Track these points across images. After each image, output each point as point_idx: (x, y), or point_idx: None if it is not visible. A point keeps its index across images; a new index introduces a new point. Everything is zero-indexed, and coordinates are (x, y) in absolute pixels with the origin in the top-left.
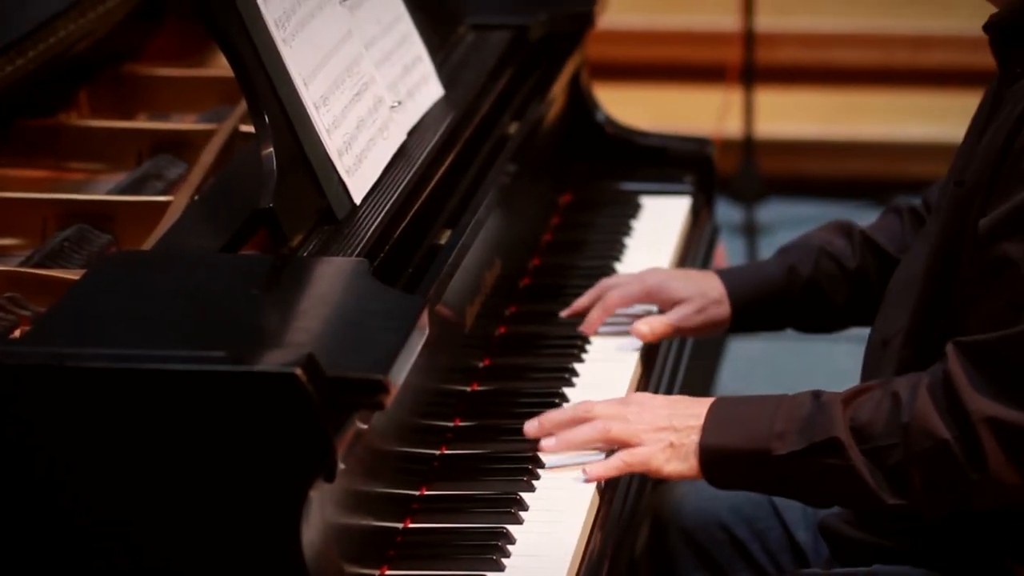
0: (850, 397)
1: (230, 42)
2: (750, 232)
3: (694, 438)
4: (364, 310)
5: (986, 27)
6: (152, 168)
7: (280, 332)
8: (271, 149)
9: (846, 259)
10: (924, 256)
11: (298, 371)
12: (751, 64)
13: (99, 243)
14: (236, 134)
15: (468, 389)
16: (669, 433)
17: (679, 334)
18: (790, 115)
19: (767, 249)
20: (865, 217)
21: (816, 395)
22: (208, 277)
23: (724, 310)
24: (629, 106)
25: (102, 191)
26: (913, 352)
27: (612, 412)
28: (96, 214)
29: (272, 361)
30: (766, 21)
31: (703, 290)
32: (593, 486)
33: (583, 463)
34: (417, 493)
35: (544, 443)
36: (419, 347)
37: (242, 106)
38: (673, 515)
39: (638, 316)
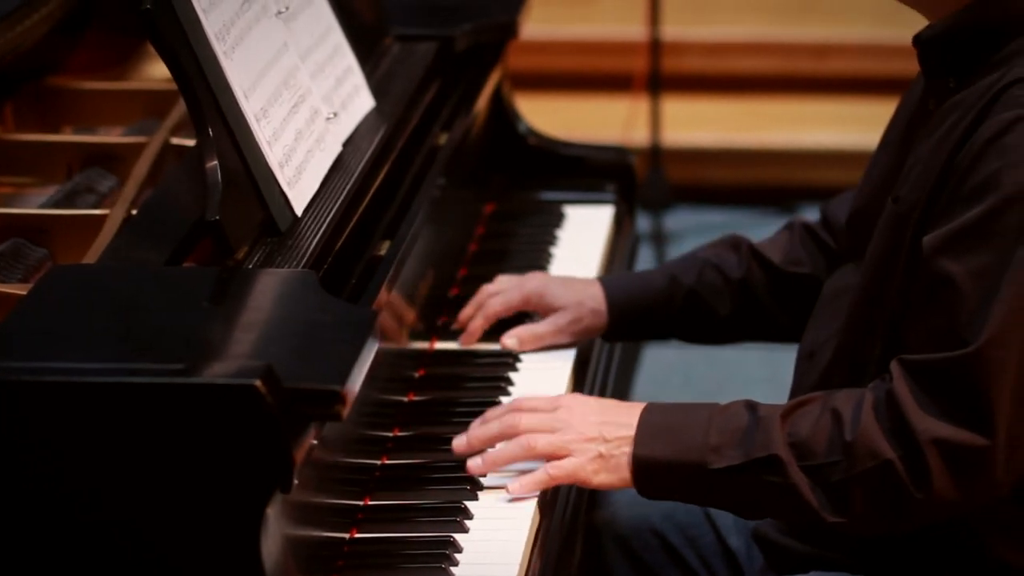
0: (787, 412)
1: (174, 55)
2: (658, 240)
3: (625, 450)
4: (316, 322)
5: (917, 40)
6: (83, 181)
7: (234, 344)
8: (216, 162)
9: (730, 270)
10: (858, 270)
11: (258, 383)
12: (658, 73)
13: (35, 257)
14: (167, 147)
15: (405, 399)
16: (599, 444)
17: (550, 343)
18: (696, 123)
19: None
20: (772, 224)
21: (752, 407)
22: (158, 290)
23: (600, 319)
24: (536, 116)
25: (32, 205)
26: (841, 366)
27: (538, 423)
28: (32, 228)
29: (230, 373)
30: (671, 30)
31: (580, 298)
32: (536, 494)
33: (524, 470)
34: (361, 503)
35: (470, 464)
36: (371, 358)
37: (171, 119)
38: (606, 522)
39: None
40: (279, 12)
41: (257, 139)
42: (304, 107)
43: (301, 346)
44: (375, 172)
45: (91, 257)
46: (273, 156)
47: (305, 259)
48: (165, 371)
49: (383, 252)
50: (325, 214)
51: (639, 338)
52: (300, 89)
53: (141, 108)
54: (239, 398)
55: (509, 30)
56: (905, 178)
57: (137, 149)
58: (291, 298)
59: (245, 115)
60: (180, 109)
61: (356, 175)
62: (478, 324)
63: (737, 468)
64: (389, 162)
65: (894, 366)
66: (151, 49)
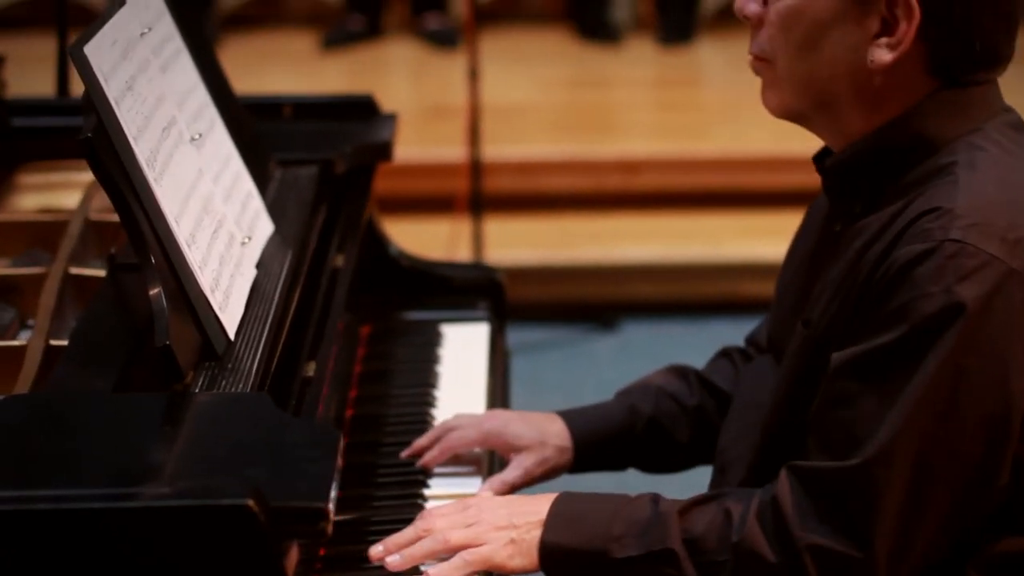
0: (685, 509)
1: (113, 183)
2: None
3: (535, 533)
4: (284, 442)
5: (821, 166)
6: None
7: (213, 466)
8: (159, 288)
9: (684, 397)
10: (769, 391)
11: (250, 502)
12: (479, 193)
13: None
14: (67, 277)
15: None
16: (510, 531)
17: (520, 488)
18: (513, 242)
19: None
20: (594, 340)
21: (655, 501)
22: (118, 417)
23: (566, 456)
24: None
25: None
26: (752, 484)
27: (451, 522)
28: None
29: (221, 493)
30: (488, 151)
31: (543, 437)
32: None
33: None
34: None
35: (389, 561)
36: (338, 476)
37: (64, 249)
38: None
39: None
40: (192, 139)
41: (190, 264)
42: (223, 232)
43: (276, 466)
44: (291, 296)
45: (20, 388)
46: (204, 281)
47: (250, 381)
48: (157, 494)
49: (311, 373)
50: (256, 337)
51: (598, 468)
52: (217, 214)
53: (25, 239)
54: (232, 518)
55: (384, 151)
56: (815, 301)
57: (34, 280)
58: (252, 420)
59: (178, 241)
60: (71, 239)
61: (276, 299)
62: (435, 456)
63: (636, 559)
64: (300, 286)
65: (782, 471)
66: (17, 182)
